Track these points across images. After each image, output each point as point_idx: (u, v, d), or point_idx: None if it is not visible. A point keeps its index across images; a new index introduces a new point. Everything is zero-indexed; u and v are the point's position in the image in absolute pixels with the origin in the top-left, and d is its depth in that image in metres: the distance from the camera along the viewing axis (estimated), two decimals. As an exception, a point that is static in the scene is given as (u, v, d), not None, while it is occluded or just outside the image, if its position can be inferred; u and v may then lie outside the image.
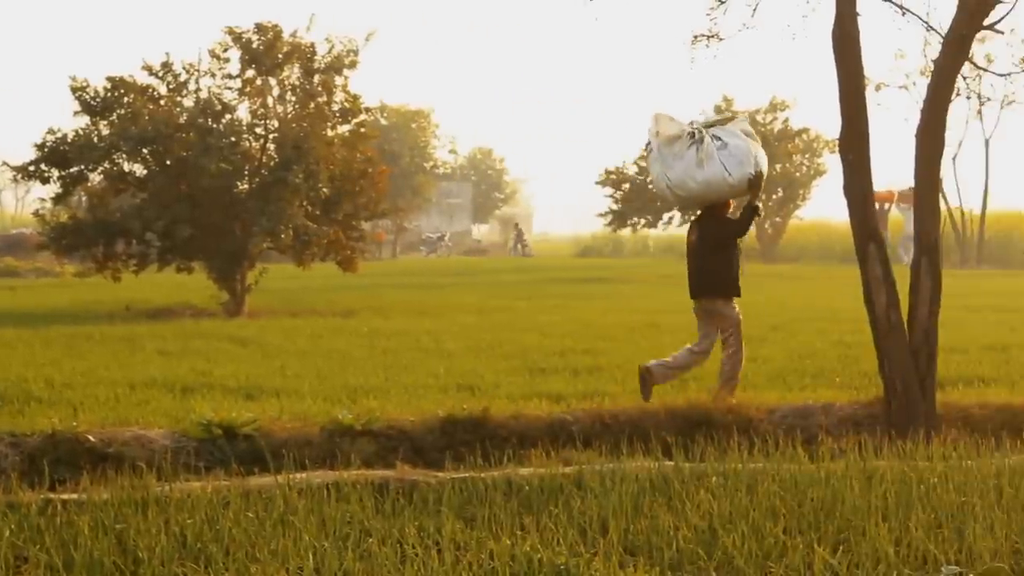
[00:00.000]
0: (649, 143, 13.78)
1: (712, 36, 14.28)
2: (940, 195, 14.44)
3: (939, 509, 8.67)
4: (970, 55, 14.01)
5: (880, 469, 9.71)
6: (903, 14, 13.83)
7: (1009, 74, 43.50)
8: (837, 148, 12.97)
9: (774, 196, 59.87)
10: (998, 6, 12.70)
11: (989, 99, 55.83)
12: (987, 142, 58.76)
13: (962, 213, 58.75)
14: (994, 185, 60.14)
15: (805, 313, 25.69)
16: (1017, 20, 51.72)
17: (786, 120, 58.77)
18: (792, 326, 22.62)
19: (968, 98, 53.10)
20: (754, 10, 14.00)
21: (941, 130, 12.86)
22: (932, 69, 13.50)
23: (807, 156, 61.75)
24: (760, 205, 14.05)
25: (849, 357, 17.31)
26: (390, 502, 9.04)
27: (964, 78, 46.74)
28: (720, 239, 13.71)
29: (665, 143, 13.54)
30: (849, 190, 12.72)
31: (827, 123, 74.65)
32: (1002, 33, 13.44)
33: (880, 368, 12.68)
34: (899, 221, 57.78)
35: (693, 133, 13.47)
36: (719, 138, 13.39)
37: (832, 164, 60.43)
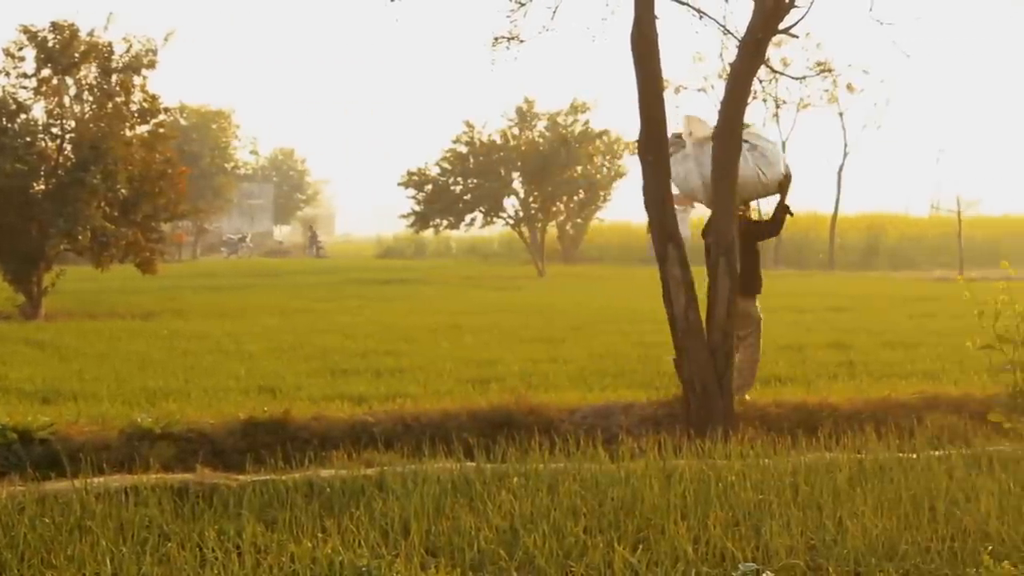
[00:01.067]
0: (671, 145, 13.66)
1: (512, 38, 14.32)
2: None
3: (737, 507, 8.79)
4: (766, 59, 14.25)
5: (679, 468, 9.82)
6: (700, 18, 14.00)
7: (804, 77, 44.41)
8: (636, 150, 13.08)
9: (575, 198, 60.28)
10: (793, 10, 12.92)
11: (785, 102, 56.90)
12: (783, 145, 59.83)
13: (759, 214, 59.75)
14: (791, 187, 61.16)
15: (606, 314, 25.90)
16: (812, 24, 52.81)
17: (587, 122, 59.18)
18: (593, 327, 22.79)
19: (765, 101, 54.06)
20: (554, 12, 14.08)
21: (737, 132, 13.04)
22: (729, 72, 13.69)
23: (608, 158, 62.25)
24: (790, 205, 14.27)
25: (649, 357, 17.48)
26: (190, 506, 8.91)
27: (760, 81, 47.55)
28: (750, 238, 14.03)
29: (698, 145, 13.78)
30: (648, 192, 12.85)
31: (627, 125, 75.51)
32: (797, 37, 13.70)
33: (678, 368, 12.82)
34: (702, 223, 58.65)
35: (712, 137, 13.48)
36: (747, 141, 13.56)
37: (632, 166, 61.06)
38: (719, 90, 48.24)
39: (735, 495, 9.09)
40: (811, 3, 13.05)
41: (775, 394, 14.01)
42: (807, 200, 75.75)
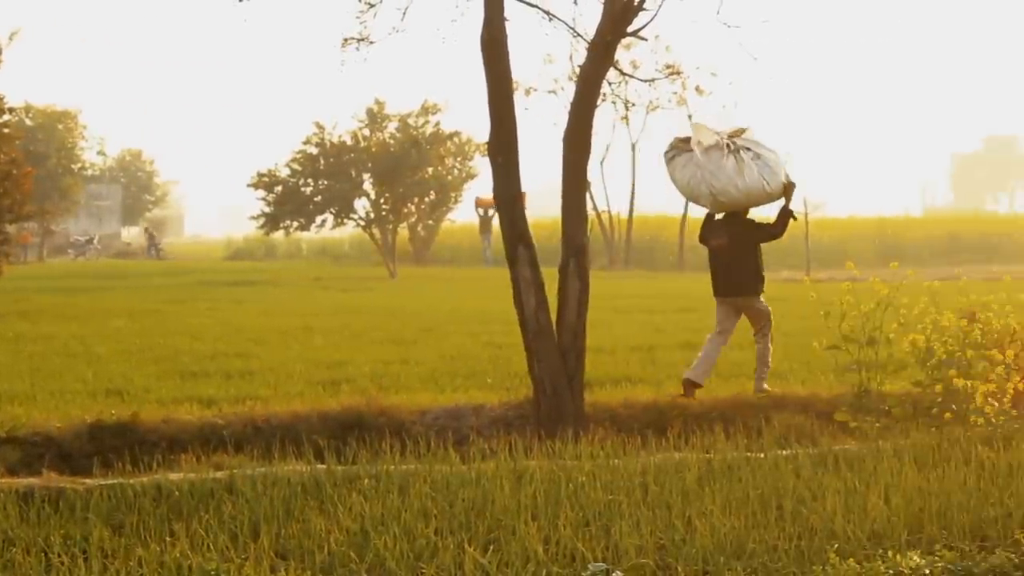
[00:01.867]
0: (671, 149, 14.45)
1: (362, 39, 14.27)
2: (587, 198, 14.70)
3: (587, 507, 8.84)
4: (615, 61, 14.34)
5: (530, 469, 9.85)
6: (550, 20, 14.06)
7: (653, 80, 44.69)
8: (487, 151, 13.11)
9: (426, 199, 60.25)
10: (641, 13, 13.02)
11: (634, 104, 57.26)
12: (633, 146, 60.31)
13: (610, 216, 60.14)
14: (640, 189, 61.62)
15: (457, 315, 25.92)
16: (660, 27, 53.30)
17: (438, 123, 59.13)
18: (444, 328, 22.80)
19: (614, 103, 54.35)
20: (404, 14, 14.05)
21: (587, 134, 13.12)
22: (578, 75, 13.76)
23: (458, 159, 62.30)
24: (794, 209, 14.64)
25: (500, 358, 17.51)
26: (35, 510, 8.78)
27: (610, 83, 47.90)
28: (755, 241, 14.51)
29: (705, 151, 14.11)
30: (498, 193, 12.88)
31: (478, 126, 75.56)
32: (646, 39, 13.80)
33: (530, 369, 12.86)
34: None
35: (728, 144, 14.09)
36: (749, 149, 14.07)
37: (483, 167, 61.17)
38: (569, 92, 48.50)
39: (585, 495, 9.13)
40: (659, 6, 13.17)
41: (625, 394, 14.09)
42: (658, 202, 76.13)
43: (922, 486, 9.39)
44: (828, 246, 60.06)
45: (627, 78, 45.73)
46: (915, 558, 7.81)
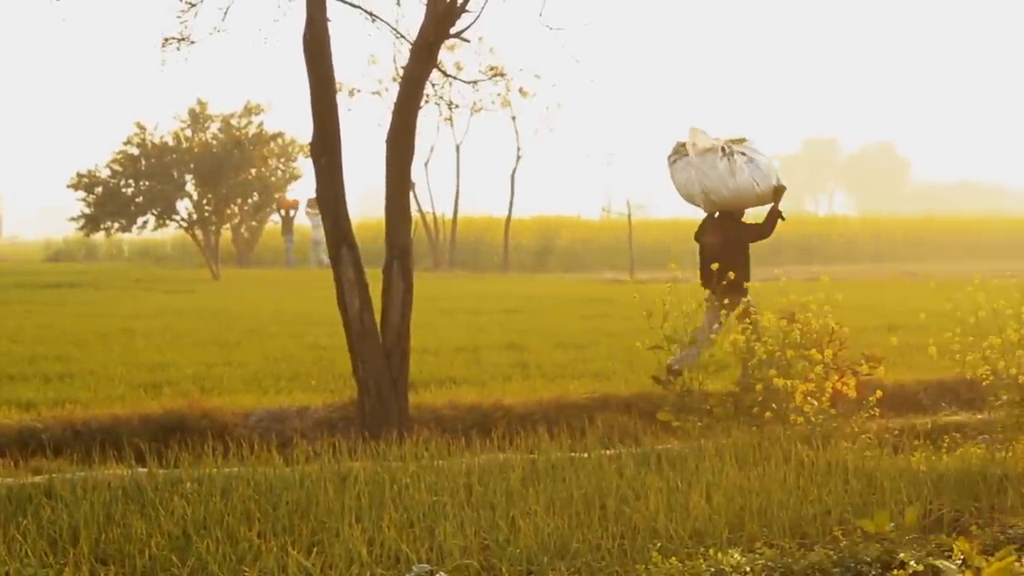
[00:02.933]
0: (674, 153, 15.18)
1: (183, 39, 14.10)
2: (412, 199, 14.74)
3: (411, 508, 8.83)
4: (439, 63, 14.34)
5: (354, 470, 9.82)
6: (373, 21, 14.02)
7: (476, 82, 44.79)
8: (310, 152, 13.04)
9: (250, 200, 59.70)
10: (464, 15, 13.04)
11: (458, 106, 57.28)
12: (458, 148, 60.33)
13: (435, 217, 60.11)
14: (465, 190, 61.68)
15: (280, 316, 25.70)
16: (484, 29, 53.33)
17: (261, 124, 58.51)
18: (268, 330, 22.59)
19: (438, 104, 54.35)
20: (225, 14, 13.92)
21: (411, 136, 13.11)
22: (402, 76, 13.74)
23: (282, 160, 61.77)
24: (783, 211, 15.21)
25: (324, 360, 17.41)
26: None
27: (434, 85, 47.89)
28: (745, 240, 15.10)
29: (699, 154, 14.85)
30: (322, 194, 12.81)
31: (301, 127, 75.11)
32: (468, 41, 13.84)
33: (354, 370, 12.82)
34: (307, 227, 58.99)
35: (724, 148, 14.84)
36: (744, 154, 14.82)
37: (307, 168, 60.74)
38: (393, 93, 48.45)
39: (410, 496, 9.13)
40: (482, 8, 13.20)
41: (450, 395, 14.10)
42: (483, 204, 76.38)
43: (743, 484, 9.53)
44: (651, 247, 60.56)
45: (451, 79, 45.84)
46: (736, 556, 7.92)
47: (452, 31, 13.10)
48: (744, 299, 14.60)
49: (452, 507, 8.88)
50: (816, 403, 11.93)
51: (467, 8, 12.98)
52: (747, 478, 9.75)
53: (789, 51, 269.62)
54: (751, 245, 15.23)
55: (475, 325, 23.50)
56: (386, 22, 14.04)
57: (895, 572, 7.57)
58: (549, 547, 8.11)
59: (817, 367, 12.24)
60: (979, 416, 13.00)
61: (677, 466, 10.22)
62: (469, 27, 13.23)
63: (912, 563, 7.63)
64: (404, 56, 13.49)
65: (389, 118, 13.26)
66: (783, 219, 15.26)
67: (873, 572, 7.89)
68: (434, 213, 60.41)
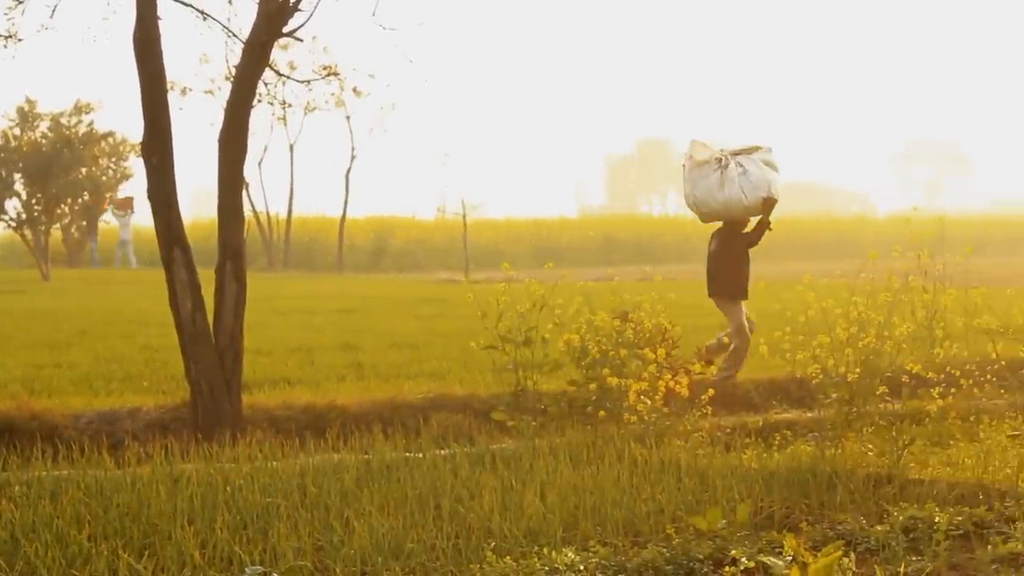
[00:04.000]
0: (684, 165, 15.70)
1: (10, 36, 13.85)
2: (245, 199, 14.62)
3: (244, 510, 8.76)
4: (272, 62, 14.24)
5: (186, 472, 9.72)
6: (205, 19, 13.88)
7: (310, 81, 44.56)
8: (141, 152, 12.86)
9: (80, 200, 58.79)
10: (297, 14, 12.95)
11: (291, 105, 56.97)
12: (292, 147, 59.97)
13: (268, 217, 59.66)
14: (299, 190, 61.39)
15: (112, 317, 25.35)
16: (317, 28, 53.06)
17: (91, 123, 57.67)
18: (99, 331, 22.26)
19: (271, 104, 54.02)
20: (53, 11, 13.69)
21: (243, 135, 13.00)
22: (234, 75, 13.61)
23: (113, 160, 60.93)
24: (771, 221, 15.62)
25: (156, 361, 17.20)
26: None
27: (266, 84, 47.48)
28: (736, 248, 15.53)
29: (695, 166, 15.45)
30: (153, 194, 12.65)
31: (132, 126, 74.16)
32: (301, 40, 13.74)
33: (187, 371, 12.68)
34: (115, 228, 58.54)
35: (720, 159, 15.36)
36: (742, 165, 15.25)
37: (138, 168, 59.95)
38: (226, 92, 48.09)
39: (243, 498, 9.05)
40: (315, 7, 13.11)
41: (283, 396, 14.01)
42: (317, 204, 76.12)
43: (577, 483, 9.58)
44: (486, 247, 60.81)
45: (284, 79, 45.59)
46: (570, 554, 7.95)
47: (285, 30, 13.00)
48: (736, 307, 15.37)
49: (286, 508, 8.83)
50: (649, 402, 12.02)
51: (299, 7, 12.90)
52: (581, 477, 9.80)
53: (623, 52, 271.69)
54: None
55: (309, 325, 23.39)
56: (218, 20, 13.91)
57: (727, 569, 7.66)
58: (383, 547, 8.09)
59: (650, 366, 12.34)
60: (809, 414, 13.18)
61: (512, 465, 10.25)
62: (302, 26, 13.15)
63: (743, 560, 7.73)
64: (237, 55, 13.32)
65: (222, 117, 13.13)
66: (770, 229, 15.65)
67: (705, 569, 7.97)
68: (268, 213, 59.99)
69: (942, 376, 12.50)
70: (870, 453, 11.05)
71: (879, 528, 8.59)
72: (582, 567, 7.81)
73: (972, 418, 12.92)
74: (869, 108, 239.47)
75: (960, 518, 8.79)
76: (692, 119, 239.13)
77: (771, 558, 7.46)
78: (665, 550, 8.13)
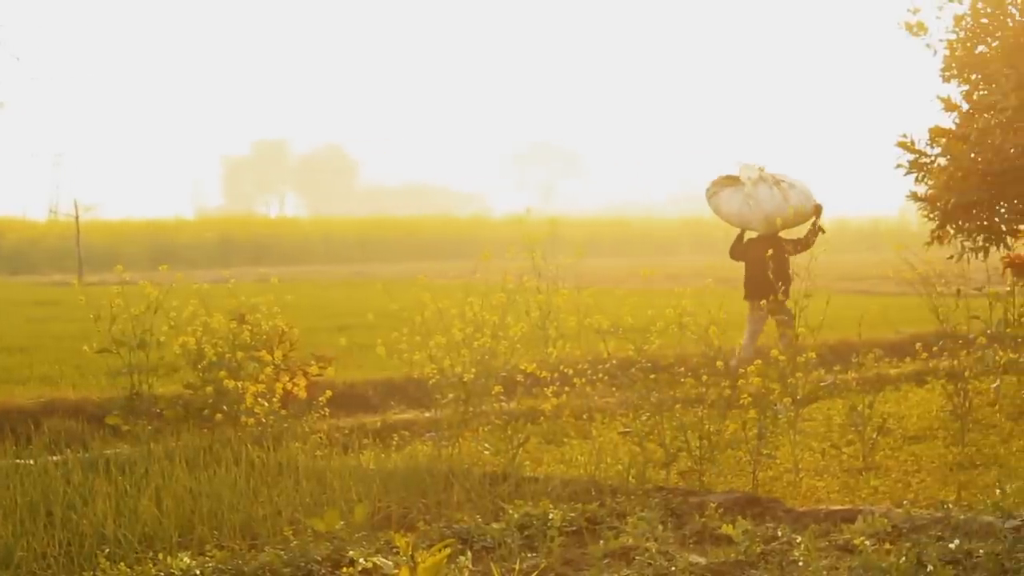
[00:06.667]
0: (713, 186, 17.37)
1: None
2: None
3: None
4: None
5: None
6: None
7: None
8: None
9: None
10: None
11: None
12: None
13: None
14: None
15: None
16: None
17: None
18: None
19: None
20: None
21: None
22: None
23: None
24: (823, 225, 17.36)
25: None
26: None
27: None
28: (788, 253, 17.01)
29: (752, 185, 17.00)
30: None
31: None
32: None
33: None
34: None
35: (765, 179, 17.05)
36: (784, 180, 17.08)
37: None
38: None
39: None
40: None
41: None
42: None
43: (193, 488, 9.48)
44: (101, 249, 59.42)
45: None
46: (186, 559, 7.88)
47: None
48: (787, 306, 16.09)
49: None
50: (267, 404, 11.96)
51: None
52: (198, 481, 9.70)
53: (237, 50, 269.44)
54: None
55: None
56: None
57: (344, 570, 7.69)
58: (-8, 557, 7.86)
59: (268, 368, 12.29)
60: (427, 414, 13.33)
61: (126, 471, 10.07)
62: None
63: (361, 560, 7.77)
64: None
65: None
66: (823, 232, 17.23)
67: (323, 570, 7.99)
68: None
69: (556, 375, 12.81)
70: (486, 452, 11.25)
71: (495, 526, 8.73)
72: (198, 571, 7.74)
73: (585, 416, 13.29)
74: (486, 110, 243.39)
75: (573, 514, 9.01)
76: (308, 119, 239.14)
77: (381, 558, 7.52)
78: (283, 552, 8.11)
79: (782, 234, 17.47)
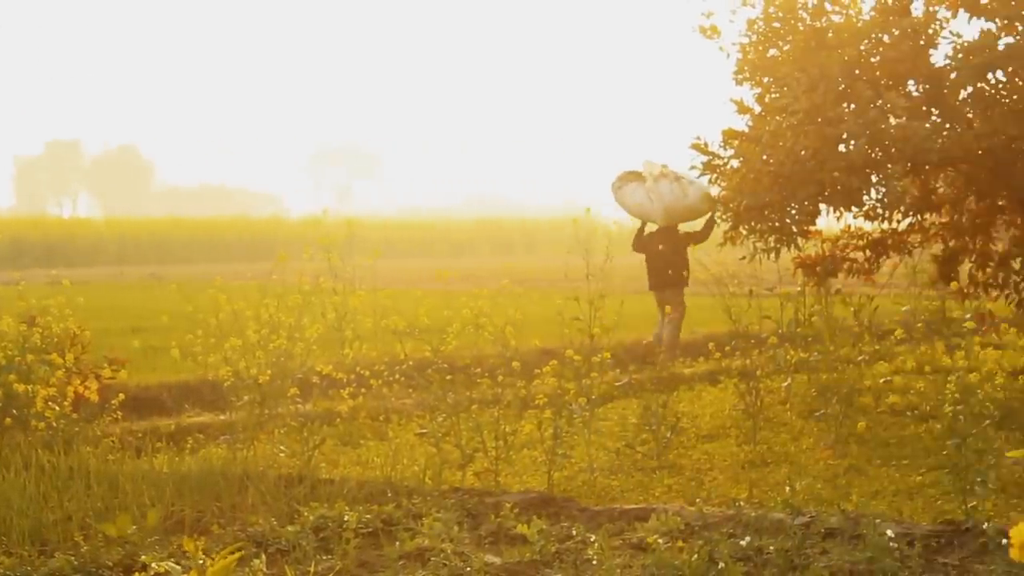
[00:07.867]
0: (618, 180, 18.04)
1: None
2: None
3: None
4: None
5: None
6: None
7: None
8: None
9: None
10: None
11: None
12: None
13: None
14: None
15: None
16: None
17: None
18: None
19: None
20: None
21: None
22: None
23: None
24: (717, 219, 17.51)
25: None
26: None
27: None
28: (686, 245, 18.15)
29: (654, 181, 17.62)
30: None
31: None
32: None
33: None
34: None
35: (667, 175, 17.56)
36: (683, 176, 17.43)
37: None
38: None
39: None
40: None
41: None
42: None
43: (-19, 493, 9.27)
44: None
45: None
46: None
47: None
48: (681, 297, 18.01)
49: None
50: (58, 408, 11.73)
51: None
52: (-16, 487, 9.49)
53: (21, 51, 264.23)
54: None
55: None
56: None
57: (136, 575, 7.59)
58: None
59: (59, 371, 12.07)
60: (222, 417, 13.21)
61: None
62: None
63: (153, 565, 7.66)
64: None
65: None
66: (718, 224, 17.44)
67: (115, 576, 7.87)
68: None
69: (352, 376, 12.79)
70: (282, 454, 11.18)
71: (290, 529, 8.66)
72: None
73: (382, 417, 13.29)
74: (283, 111, 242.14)
75: (369, 516, 8.98)
76: (101, 119, 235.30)
77: (170, 563, 7.41)
78: (74, 558, 7.98)
79: (681, 228, 18.37)
